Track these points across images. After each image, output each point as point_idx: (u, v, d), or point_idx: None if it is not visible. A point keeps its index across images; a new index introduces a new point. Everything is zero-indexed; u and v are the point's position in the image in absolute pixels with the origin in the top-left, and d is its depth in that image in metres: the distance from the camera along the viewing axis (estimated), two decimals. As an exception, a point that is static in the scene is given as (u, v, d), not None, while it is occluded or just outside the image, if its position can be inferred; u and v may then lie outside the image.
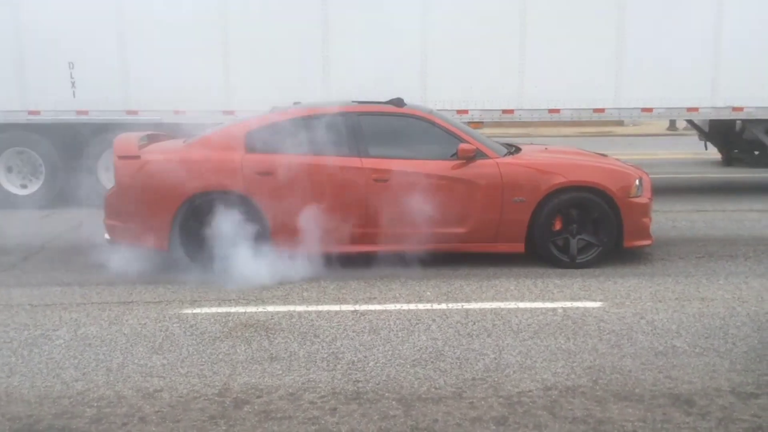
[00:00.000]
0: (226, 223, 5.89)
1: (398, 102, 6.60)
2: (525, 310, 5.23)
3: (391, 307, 5.33)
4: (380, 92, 7.11)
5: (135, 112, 9.66)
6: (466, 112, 9.77)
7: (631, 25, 9.59)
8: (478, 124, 9.97)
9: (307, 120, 6.38)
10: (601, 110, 9.85)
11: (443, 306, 5.31)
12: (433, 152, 6.33)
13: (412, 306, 5.34)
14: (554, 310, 5.22)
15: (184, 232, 6.07)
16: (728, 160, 13.50)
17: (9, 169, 10.04)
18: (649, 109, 9.85)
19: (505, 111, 9.84)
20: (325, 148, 6.21)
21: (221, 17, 9.51)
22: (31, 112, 9.67)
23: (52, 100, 9.59)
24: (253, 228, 5.98)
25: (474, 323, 4.94)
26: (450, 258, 6.46)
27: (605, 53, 9.66)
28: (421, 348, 4.51)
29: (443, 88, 9.67)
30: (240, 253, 5.90)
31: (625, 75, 9.70)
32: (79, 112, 9.66)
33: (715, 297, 5.49)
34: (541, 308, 5.26)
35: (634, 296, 5.51)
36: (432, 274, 6.14)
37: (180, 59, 9.15)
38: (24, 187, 10.06)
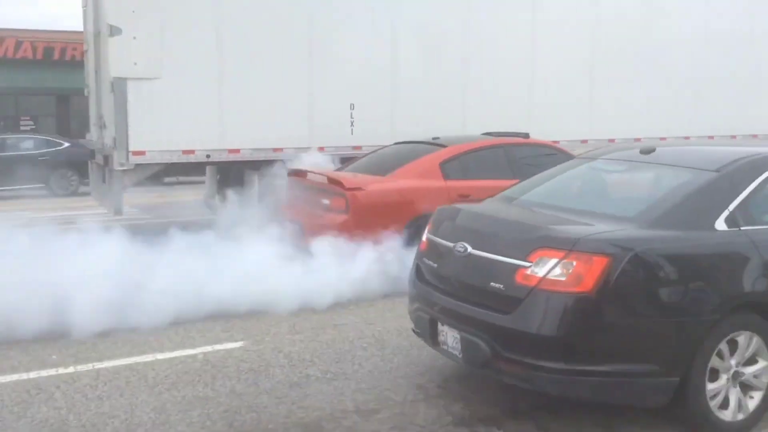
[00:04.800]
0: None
1: (526, 135, 8.48)
2: (163, 361, 5.00)
3: (5, 379, 4.67)
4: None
5: None
6: (586, 141, 11.10)
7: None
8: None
9: (485, 150, 7.95)
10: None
11: (71, 369, 4.82)
12: None
13: (32, 374, 4.75)
14: (194, 356, 5.08)
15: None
16: None
17: None
18: None
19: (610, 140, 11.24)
20: (498, 174, 7.33)
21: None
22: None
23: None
24: None
25: (105, 384, 4.56)
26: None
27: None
28: (41, 421, 4.02)
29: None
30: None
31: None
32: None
33: (347, 322, 5.90)
34: (181, 356, 5.08)
35: (274, 331, 5.65)
36: (61, 334, 5.52)
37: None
38: None
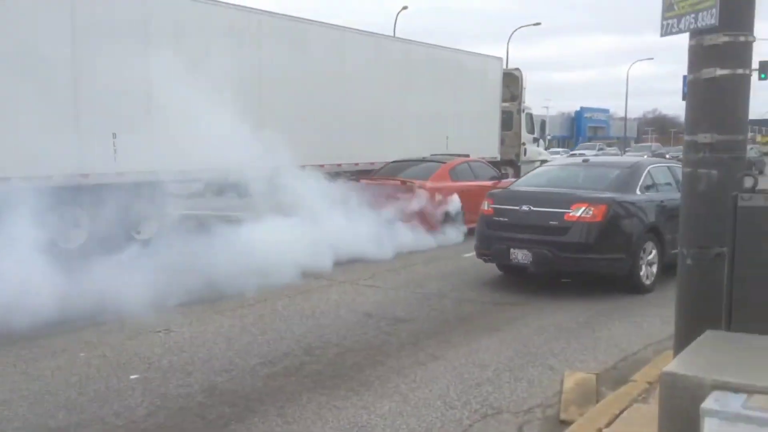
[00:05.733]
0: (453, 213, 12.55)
1: (467, 155, 14.28)
2: None
3: None
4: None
5: None
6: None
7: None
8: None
9: (463, 164, 13.60)
10: None
11: None
12: (486, 177, 13.64)
13: None
14: None
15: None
16: None
17: None
18: None
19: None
20: (470, 178, 13.30)
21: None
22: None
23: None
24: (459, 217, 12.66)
25: None
26: None
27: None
28: None
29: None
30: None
31: None
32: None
33: None
34: None
35: None
36: None
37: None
38: None
